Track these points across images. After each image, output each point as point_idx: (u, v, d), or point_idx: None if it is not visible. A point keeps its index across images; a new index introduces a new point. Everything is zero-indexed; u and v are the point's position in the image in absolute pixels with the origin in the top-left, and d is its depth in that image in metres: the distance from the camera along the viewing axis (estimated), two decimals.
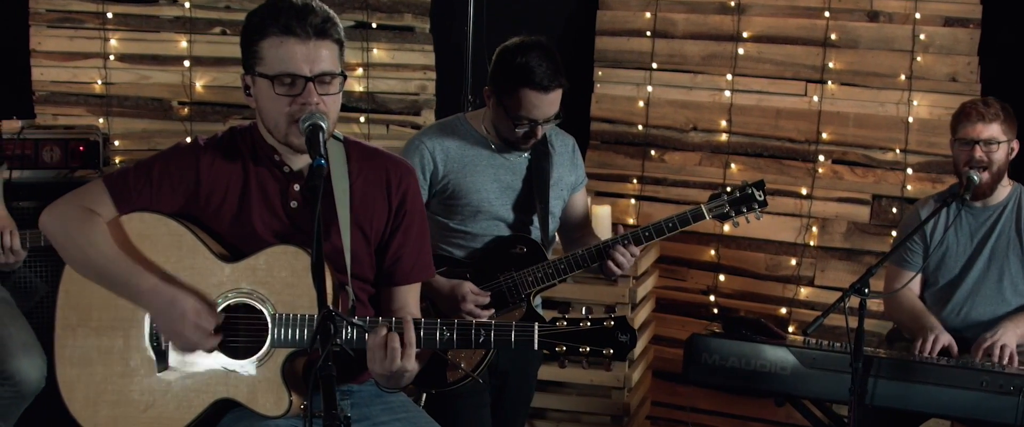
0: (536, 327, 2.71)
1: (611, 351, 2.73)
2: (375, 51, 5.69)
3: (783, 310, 5.58)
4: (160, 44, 5.56)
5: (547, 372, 5.29)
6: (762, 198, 3.89)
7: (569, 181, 4.01)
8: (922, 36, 5.35)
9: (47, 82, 5.46)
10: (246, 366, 2.79)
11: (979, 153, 4.21)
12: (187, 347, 2.78)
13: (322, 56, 2.75)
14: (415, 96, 5.75)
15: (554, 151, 3.94)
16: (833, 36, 5.48)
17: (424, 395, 3.84)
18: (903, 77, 5.39)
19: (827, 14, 5.49)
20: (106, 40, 5.45)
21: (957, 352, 4.17)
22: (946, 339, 4.19)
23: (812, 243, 5.56)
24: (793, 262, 5.59)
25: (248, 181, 2.89)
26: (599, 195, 5.86)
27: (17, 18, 5.44)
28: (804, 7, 5.55)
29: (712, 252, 5.72)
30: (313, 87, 2.73)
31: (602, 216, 5.34)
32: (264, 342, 2.78)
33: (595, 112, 5.89)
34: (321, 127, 2.68)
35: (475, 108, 4.20)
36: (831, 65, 5.50)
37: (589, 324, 2.73)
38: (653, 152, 5.80)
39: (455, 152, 3.81)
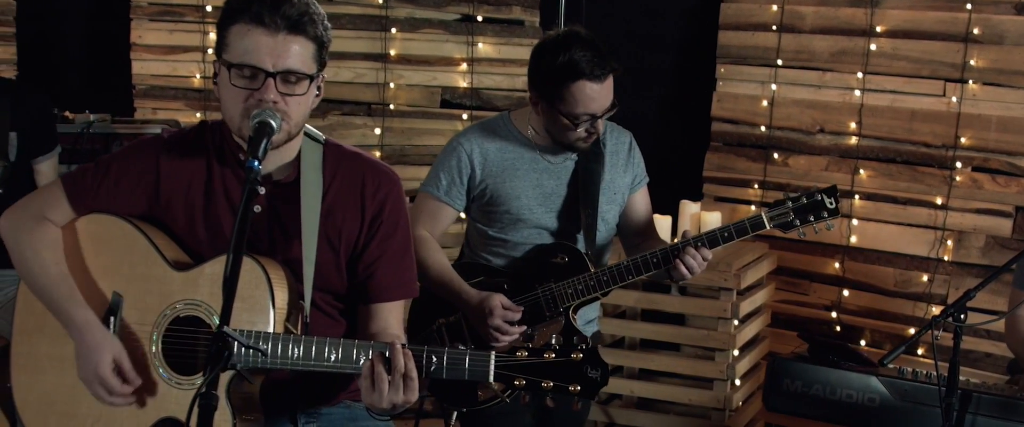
0: (492, 357, 2.43)
1: (578, 387, 2.42)
2: (480, 45, 5.48)
3: (911, 330, 5.11)
4: None
5: (645, 389, 5.01)
6: (833, 206, 3.45)
7: (623, 183, 3.67)
8: None
9: (147, 76, 5.45)
10: (195, 384, 2.59)
11: None
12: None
13: (291, 52, 2.54)
14: (523, 93, 5.52)
15: (606, 150, 3.62)
16: (975, 31, 4.98)
17: (455, 414, 3.60)
18: None
19: (969, 6, 4.99)
20: (205, 33, 5.39)
21: None
22: None
23: (947, 258, 5.09)
24: (925, 278, 5.12)
25: (211, 181, 2.70)
26: (718, 200, 5.54)
27: (119, 11, 5.44)
28: None
29: (836, 265, 5.30)
30: (273, 83, 2.52)
31: (711, 223, 5.01)
32: None
33: (716, 112, 5.56)
34: (269, 126, 2.48)
35: None
36: (973, 63, 5.00)
37: (554, 356, 2.42)
38: (776, 155, 5.43)
39: (495, 155, 3.53)
